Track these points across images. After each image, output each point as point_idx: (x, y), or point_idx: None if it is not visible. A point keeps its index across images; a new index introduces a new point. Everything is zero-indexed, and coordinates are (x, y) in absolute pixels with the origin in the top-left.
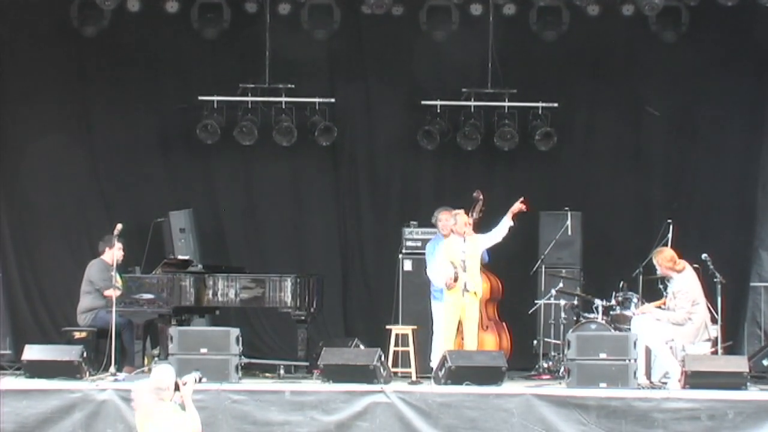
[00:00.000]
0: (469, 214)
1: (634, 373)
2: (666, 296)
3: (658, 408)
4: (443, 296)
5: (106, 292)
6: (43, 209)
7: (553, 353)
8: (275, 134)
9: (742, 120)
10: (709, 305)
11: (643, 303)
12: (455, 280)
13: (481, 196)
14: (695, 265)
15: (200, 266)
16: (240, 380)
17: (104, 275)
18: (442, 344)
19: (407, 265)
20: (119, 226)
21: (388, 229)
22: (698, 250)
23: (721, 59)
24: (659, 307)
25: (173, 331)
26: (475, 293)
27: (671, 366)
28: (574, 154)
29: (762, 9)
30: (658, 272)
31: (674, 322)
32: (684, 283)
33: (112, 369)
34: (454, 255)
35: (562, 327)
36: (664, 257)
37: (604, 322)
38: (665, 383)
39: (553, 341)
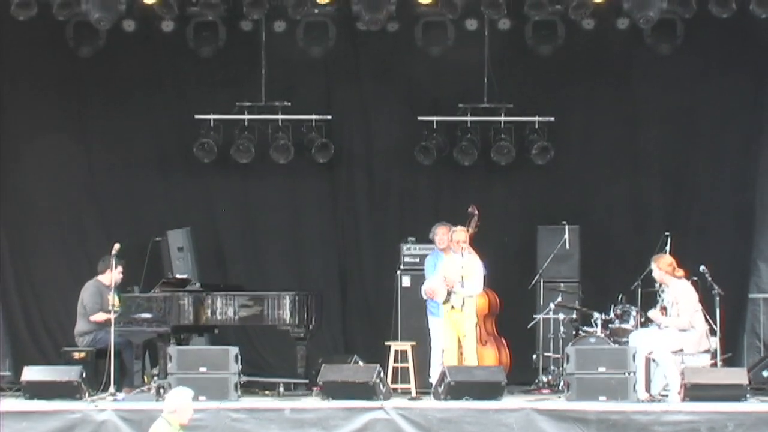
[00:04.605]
0: (466, 230)
1: (634, 386)
2: (662, 305)
3: (658, 421)
4: (439, 311)
5: (92, 317)
6: (41, 228)
7: (552, 367)
8: (272, 152)
9: (739, 130)
10: (708, 317)
11: (642, 315)
12: (445, 301)
13: (476, 211)
14: (693, 278)
15: (198, 285)
16: (239, 398)
17: (96, 299)
18: (440, 360)
19: (405, 281)
20: (117, 246)
21: (387, 245)
22: (696, 262)
23: (717, 71)
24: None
25: (172, 350)
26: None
27: (674, 377)
28: (571, 167)
29: (756, 19)
30: (656, 277)
31: (681, 328)
32: (683, 289)
33: (112, 389)
34: (449, 270)
35: (561, 341)
36: (664, 261)
37: (603, 335)
38: (665, 396)
39: (553, 355)
